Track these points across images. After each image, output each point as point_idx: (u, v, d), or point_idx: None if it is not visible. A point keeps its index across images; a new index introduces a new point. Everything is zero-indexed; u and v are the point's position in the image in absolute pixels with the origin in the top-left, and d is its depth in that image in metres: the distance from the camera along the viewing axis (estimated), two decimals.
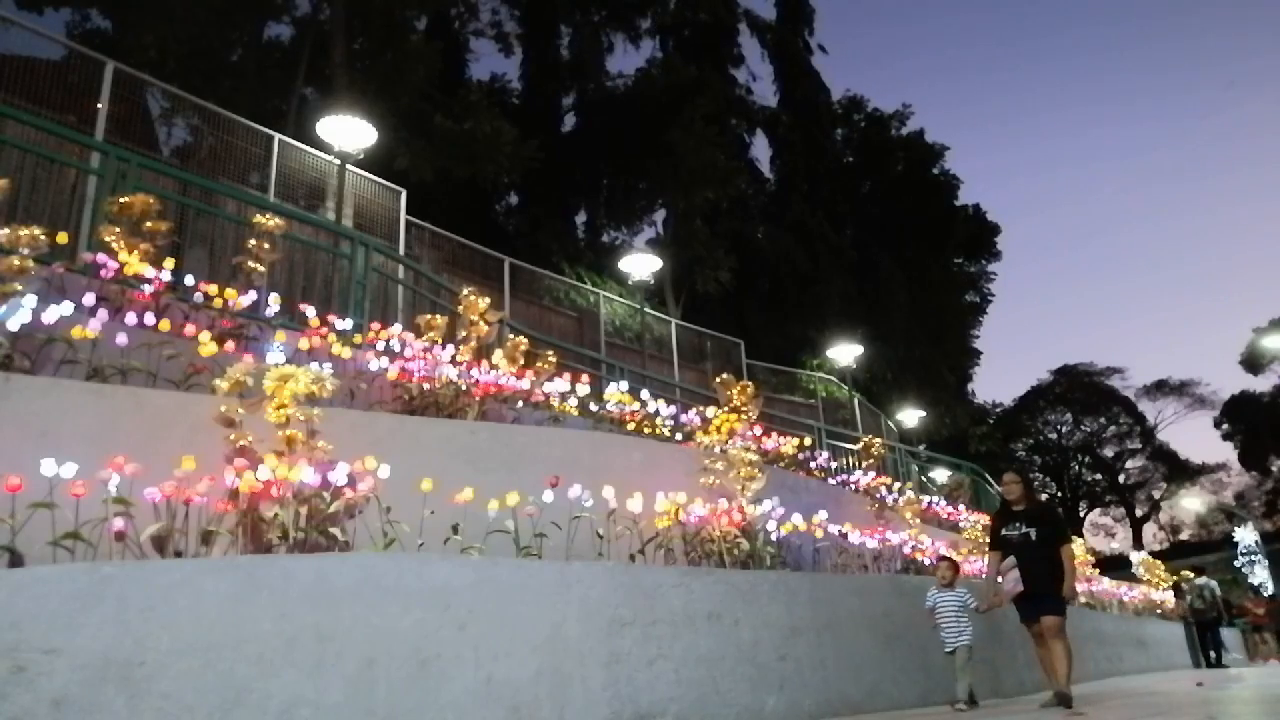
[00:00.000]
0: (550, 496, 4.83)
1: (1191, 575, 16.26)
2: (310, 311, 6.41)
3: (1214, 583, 15.40)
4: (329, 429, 4.52)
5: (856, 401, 22.16)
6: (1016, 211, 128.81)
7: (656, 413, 7.92)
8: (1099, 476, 48.59)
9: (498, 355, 7.25)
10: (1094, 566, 17.03)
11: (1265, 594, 29.39)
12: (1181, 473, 46.92)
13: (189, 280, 5.84)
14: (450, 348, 6.86)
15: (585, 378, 7.79)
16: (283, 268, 8.94)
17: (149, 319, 5.22)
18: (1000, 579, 6.00)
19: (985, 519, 12.64)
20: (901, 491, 9.99)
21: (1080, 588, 13.12)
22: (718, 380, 8.41)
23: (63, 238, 5.41)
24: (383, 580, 3.84)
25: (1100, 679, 10.61)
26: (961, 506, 13.20)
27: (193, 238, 9.55)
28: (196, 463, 3.97)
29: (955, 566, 6.56)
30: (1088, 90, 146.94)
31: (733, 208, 26.62)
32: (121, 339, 4.79)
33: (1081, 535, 33.78)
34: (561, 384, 7.30)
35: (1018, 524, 6.01)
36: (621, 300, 19.92)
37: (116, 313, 5.08)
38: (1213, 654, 14.51)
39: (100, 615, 3.25)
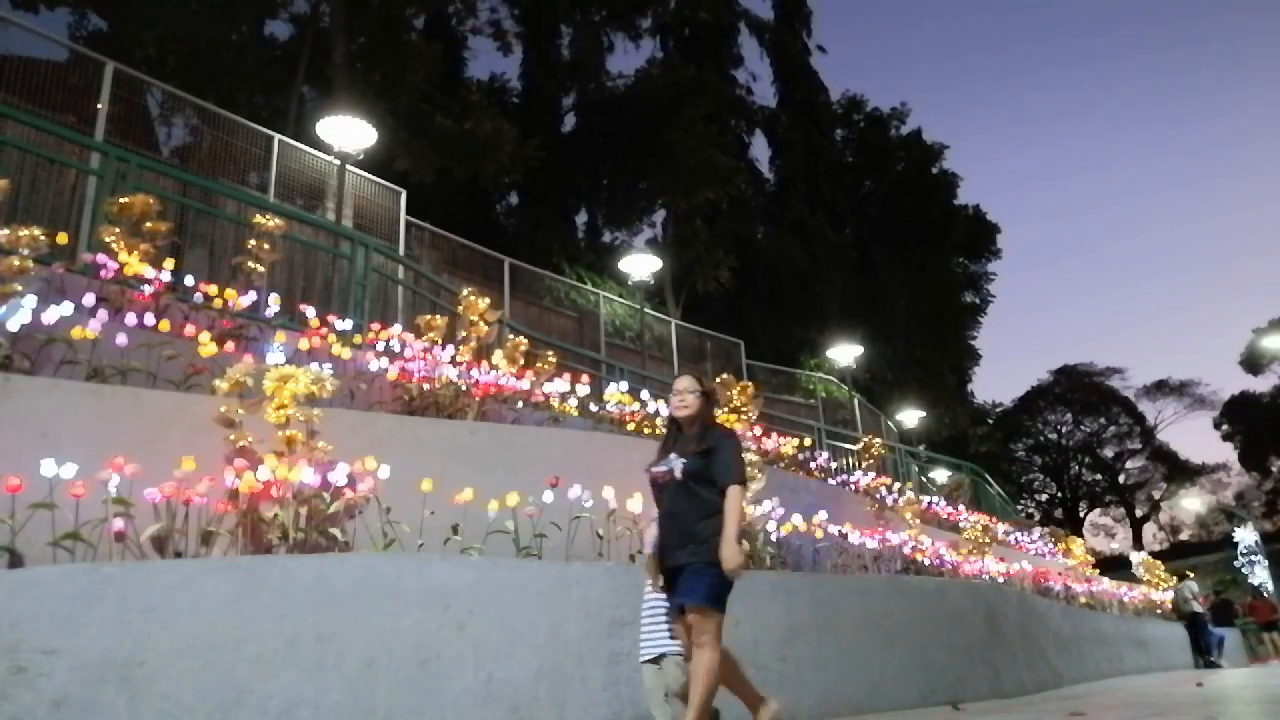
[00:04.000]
0: (550, 497, 4.83)
1: (1175, 580, 16.57)
2: (310, 312, 6.41)
3: (1193, 583, 15.59)
4: (329, 429, 4.52)
5: (856, 402, 22.15)
6: (1017, 214, 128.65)
7: (656, 413, 7.92)
8: (1099, 477, 48.57)
9: (498, 355, 7.26)
10: (1094, 567, 17.05)
11: (1265, 594, 29.39)
12: (1181, 473, 46.90)
13: (189, 281, 5.85)
14: (450, 348, 6.87)
15: (585, 378, 7.80)
16: (283, 268, 8.94)
17: (149, 319, 5.23)
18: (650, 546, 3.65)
19: (985, 519, 12.65)
20: (901, 492, 9.99)
21: (1080, 588, 13.14)
22: (717, 380, 8.41)
23: (63, 238, 5.42)
24: (383, 580, 3.85)
25: (1100, 679, 10.62)
26: (961, 507, 13.19)
27: (193, 238, 9.55)
28: (196, 463, 3.98)
29: None
30: (1088, 94, 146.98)
31: (733, 208, 26.60)
32: (121, 339, 4.79)
33: (1082, 535, 33.85)
34: (561, 384, 7.31)
35: (670, 455, 3.60)
36: (621, 300, 19.92)
37: (116, 313, 5.08)
38: (1208, 654, 14.60)
39: (100, 615, 3.25)
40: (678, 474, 3.48)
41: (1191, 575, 16.75)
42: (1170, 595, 17.20)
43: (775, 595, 5.36)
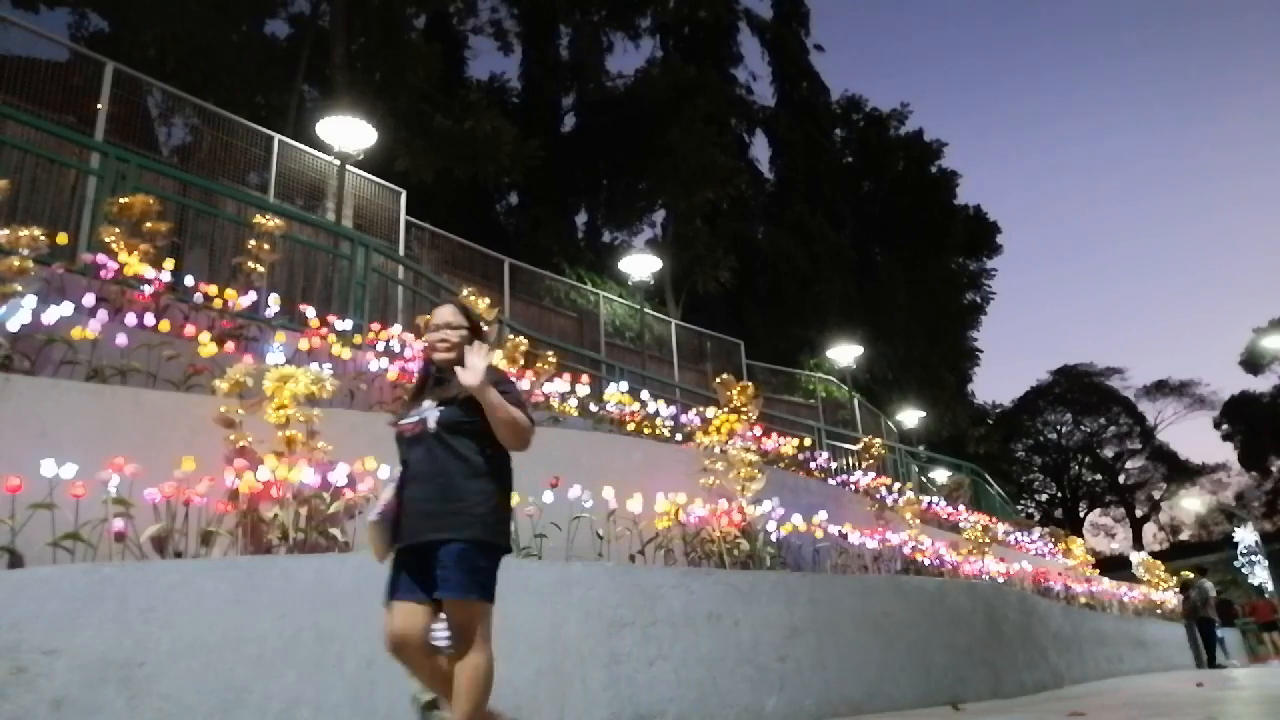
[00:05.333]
0: (550, 497, 4.84)
1: (1193, 575, 16.38)
2: (310, 312, 6.41)
3: (1207, 583, 15.48)
4: (329, 429, 4.52)
5: (856, 402, 22.15)
6: (1017, 214, 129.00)
7: (656, 413, 7.92)
8: (1099, 477, 48.56)
9: (497, 356, 7.26)
10: (1094, 567, 17.05)
11: (1265, 594, 29.39)
12: (1181, 473, 46.89)
13: (189, 281, 5.85)
14: None
15: (585, 378, 7.80)
16: (283, 268, 8.94)
17: (149, 319, 5.23)
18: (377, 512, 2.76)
19: (985, 519, 12.65)
20: (901, 492, 9.98)
21: (1080, 588, 13.14)
22: (717, 381, 8.41)
23: (63, 238, 5.42)
24: (383, 581, 3.84)
25: (1100, 679, 10.62)
26: (961, 507, 13.19)
27: (193, 238, 9.55)
28: (196, 463, 3.98)
29: None
30: (1088, 95, 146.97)
31: (733, 208, 26.61)
32: (121, 340, 4.79)
33: (1082, 535, 33.83)
34: (561, 384, 7.31)
35: (424, 404, 2.82)
36: (621, 301, 19.91)
37: (116, 313, 5.09)
38: (1211, 654, 14.55)
39: (100, 616, 3.25)
40: (431, 425, 2.70)
41: (1204, 574, 16.59)
42: (1174, 596, 17.19)
43: (775, 595, 5.36)
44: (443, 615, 2.66)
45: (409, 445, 2.77)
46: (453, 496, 2.63)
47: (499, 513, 2.73)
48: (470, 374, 2.62)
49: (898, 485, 10.28)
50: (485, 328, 3.13)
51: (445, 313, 2.92)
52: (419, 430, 2.73)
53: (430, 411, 2.74)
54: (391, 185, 13.93)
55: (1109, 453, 48.12)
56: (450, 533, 2.59)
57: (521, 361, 7.37)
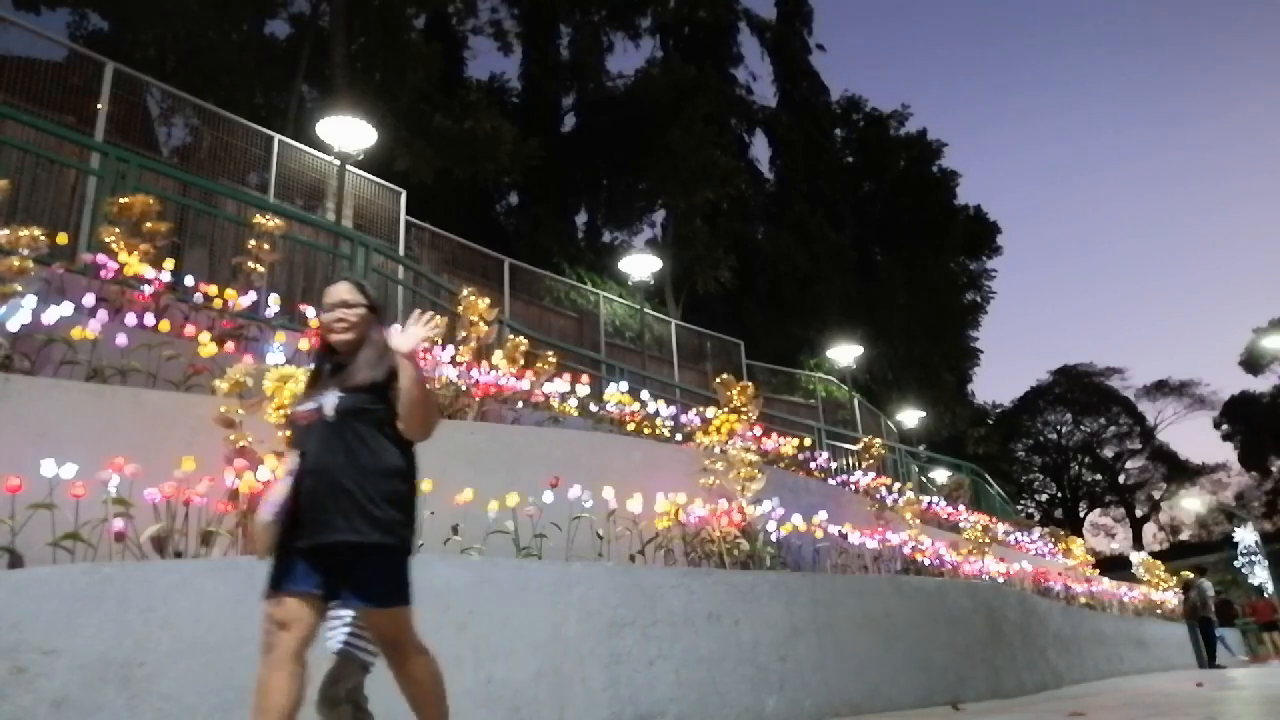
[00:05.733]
0: (550, 497, 4.83)
1: (1193, 576, 16.39)
2: (310, 312, 6.40)
3: (1206, 584, 15.49)
4: None
5: (856, 402, 22.15)
6: (1017, 214, 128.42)
7: (656, 413, 7.92)
8: (1099, 477, 48.56)
9: (497, 356, 7.26)
10: (1094, 567, 17.05)
11: (1266, 594, 29.40)
12: (1181, 473, 46.90)
13: (189, 281, 5.85)
14: (450, 348, 6.86)
15: (585, 378, 7.80)
16: (283, 268, 8.94)
17: (149, 320, 5.23)
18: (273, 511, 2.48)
19: (985, 519, 12.65)
20: (901, 492, 9.98)
21: (1080, 588, 13.14)
22: (717, 381, 8.41)
23: (63, 238, 5.42)
24: None
25: (1100, 679, 10.62)
26: (961, 507, 13.19)
27: (193, 238, 9.55)
28: (196, 463, 3.98)
29: None
30: (1088, 94, 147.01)
31: (733, 208, 26.62)
32: (121, 340, 4.79)
33: (1082, 535, 33.83)
34: (561, 384, 7.31)
35: (326, 391, 2.57)
36: (621, 301, 19.92)
37: (116, 313, 5.09)
38: (1211, 654, 14.54)
39: (100, 616, 3.25)
40: (329, 412, 2.46)
41: (1204, 574, 16.59)
42: (1174, 596, 17.18)
43: (775, 595, 5.36)
44: (334, 615, 2.53)
45: (306, 435, 2.53)
46: (361, 492, 2.39)
47: (410, 509, 2.52)
48: (406, 338, 2.48)
49: (898, 485, 10.28)
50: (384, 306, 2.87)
51: (341, 290, 2.65)
52: (317, 418, 2.49)
53: (329, 398, 2.50)
54: (391, 185, 13.93)
55: (1109, 453, 48.15)
56: (364, 535, 2.36)
57: (521, 361, 7.36)
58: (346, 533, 2.36)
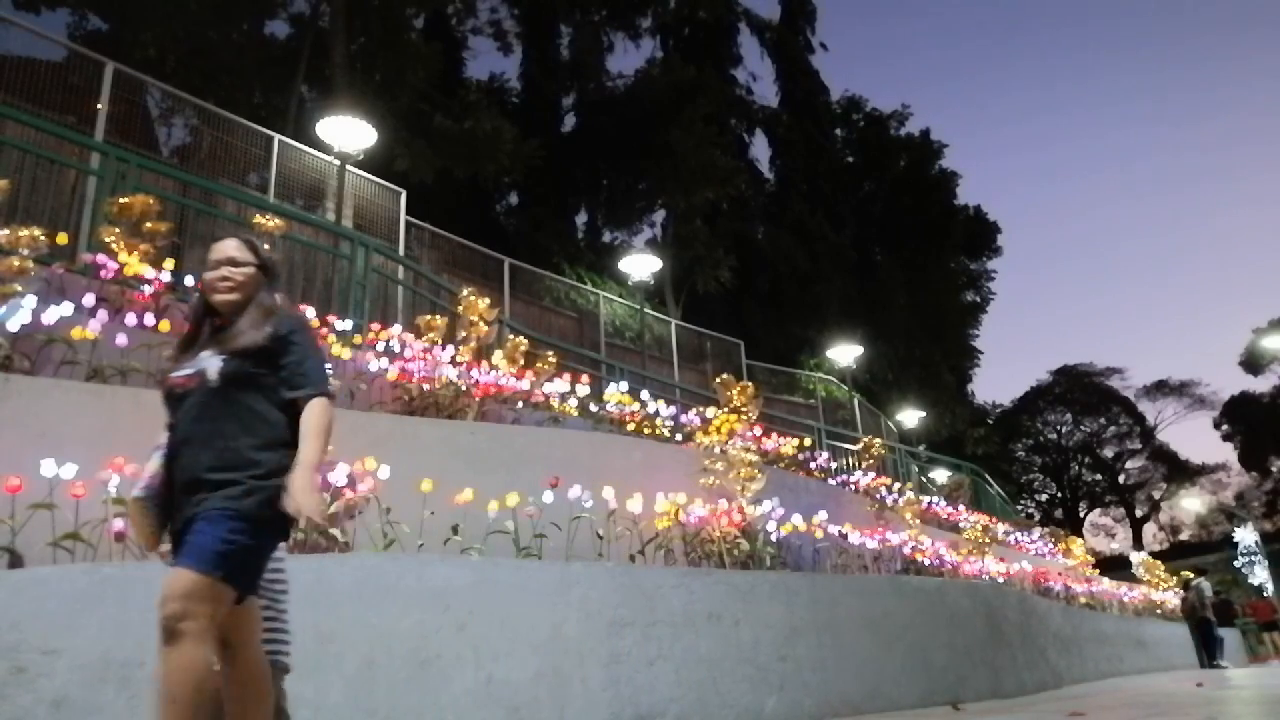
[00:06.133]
0: (550, 497, 4.83)
1: (1193, 576, 16.42)
2: (310, 312, 6.40)
3: (1205, 584, 15.51)
4: None
5: (856, 402, 22.15)
6: (1017, 214, 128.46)
7: (656, 413, 7.92)
8: (1099, 477, 48.56)
9: (497, 356, 7.26)
10: (1094, 567, 17.05)
11: (1265, 594, 29.40)
12: (1181, 473, 46.90)
13: (189, 280, 5.85)
14: (450, 348, 6.87)
15: (585, 378, 7.80)
16: (282, 268, 8.92)
17: (149, 320, 5.23)
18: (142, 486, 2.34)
19: (985, 519, 12.65)
20: (901, 492, 9.99)
21: (1080, 588, 13.14)
22: (717, 381, 8.41)
23: (63, 238, 5.42)
24: (383, 581, 3.85)
25: (1100, 679, 10.62)
26: (961, 507, 13.19)
27: (193, 238, 9.54)
28: None
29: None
30: (1089, 94, 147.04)
31: (733, 208, 26.62)
32: (121, 340, 4.79)
33: (1082, 535, 33.84)
34: (561, 384, 7.31)
35: (202, 354, 2.35)
36: (621, 301, 19.92)
37: (116, 313, 5.09)
38: (1210, 654, 14.56)
39: (100, 615, 3.24)
40: (212, 376, 2.24)
41: (1204, 574, 16.62)
42: (1174, 596, 17.19)
43: (775, 595, 5.35)
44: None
45: (180, 403, 2.29)
46: (236, 464, 2.16)
47: (267, 477, 2.20)
48: (301, 496, 2.14)
49: (898, 485, 10.29)
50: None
51: (229, 247, 2.42)
52: (196, 384, 2.26)
53: (210, 361, 2.26)
54: (391, 185, 13.93)
55: (1109, 453, 48.15)
56: (221, 502, 2.12)
57: (521, 361, 7.37)
58: (189, 492, 2.20)
